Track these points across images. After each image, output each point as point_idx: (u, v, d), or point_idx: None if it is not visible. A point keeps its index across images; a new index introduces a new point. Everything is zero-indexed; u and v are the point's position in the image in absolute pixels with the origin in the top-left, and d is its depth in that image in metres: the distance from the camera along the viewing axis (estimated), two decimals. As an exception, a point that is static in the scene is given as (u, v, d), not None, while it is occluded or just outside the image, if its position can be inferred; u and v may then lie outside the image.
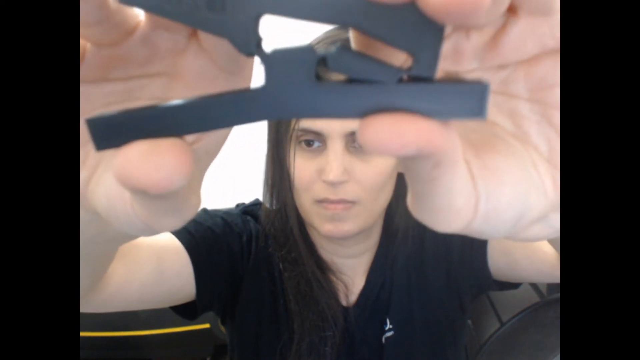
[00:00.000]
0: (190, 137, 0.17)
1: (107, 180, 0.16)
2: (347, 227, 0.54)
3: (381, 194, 0.55)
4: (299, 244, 0.60)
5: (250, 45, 0.12)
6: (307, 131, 0.52)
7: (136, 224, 0.15)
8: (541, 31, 0.15)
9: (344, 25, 0.12)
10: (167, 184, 0.12)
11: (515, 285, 0.63)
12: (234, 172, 1.15)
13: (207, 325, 1.21)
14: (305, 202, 0.55)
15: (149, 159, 0.12)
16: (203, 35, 0.15)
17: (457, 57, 0.15)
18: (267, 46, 0.13)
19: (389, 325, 0.61)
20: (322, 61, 0.12)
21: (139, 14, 0.15)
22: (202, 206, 0.32)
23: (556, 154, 0.16)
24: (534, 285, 1.02)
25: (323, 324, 0.59)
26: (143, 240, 0.49)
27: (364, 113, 0.12)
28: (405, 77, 0.12)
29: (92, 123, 0.13)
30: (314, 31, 0.56)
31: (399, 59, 0.14)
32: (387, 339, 0.61)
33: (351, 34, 0.14)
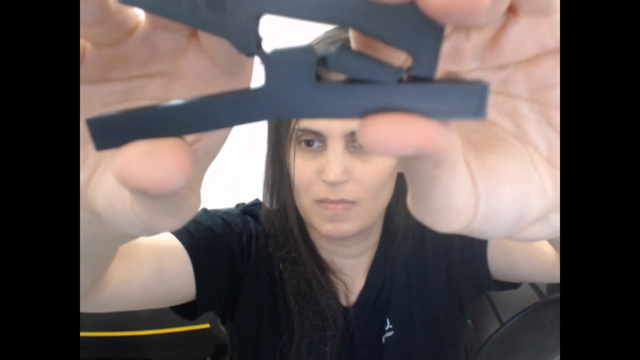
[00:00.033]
0: (190, 137, 0.17)
1: (107, 180, 0.16)
2: (347, 227, 0.54)
3: (381, 194, 0.55)
4: (299, 244, 0.60)
5: (250, 45, 0.12)
6: (307, 131, 0.52)
7: (136, 224, 0.15)
8: (541, 31, 0.15)
9: (343, 25, 0.12)
10: (167, 184, 0.12)
11: (515, 285, 0.63)
12: (234, 172, 1.15)
13: (207, 325, 1.21)
14: (305, 202, 0.55)
15: (149, 159, 0.12)
16: (203, 36, 0.15)
17: (457, 57, 0.15)
18: (267, 46, 0.13)
19: (389, 325, 0.61)
20: (322, 61, 0.12)
21: (139, 14, 0.15)
22: (202, 206, 0.32)
23: (556, 153, 0.16)
24: (534, 285, 1.02)
25: (323, 324, 0.59)
26: (143, 240, 0.49)
27: (364, 113, 0.12)
28: (405, 77, 0.12)
29: (92, 123, 0.13)
30: (314, 31, 0.56)
31: (399, 58, 0.14)
32: (387, 339, 0.61)
33: (351, 34, 0.14)
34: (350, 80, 0.12)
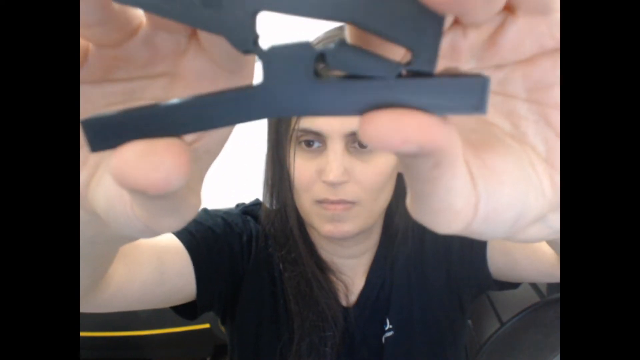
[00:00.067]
0: (190, 136, 0.17)
1: (107, 181, 0.16)
2: (347, 227, 0.54)
3: (381, 194, 0.55)
4: (299, 244, 0.60)
5: (247, 42, 0.12)
6: (307, 131, 0.52)
7: (136, 225, 0.15)
8: (540, 31, 0.14)
9: (341, 21, 0.12)
10: (165, 185, 0.12)
11: (515, 285, 0.63)
12: (234, 172, 1.15)
13: (207, 325, 1.21)
14: (305, 202, 0.55)
15: (146, 159, 0.12)
16: (202, 35, 0.15)
17: (454, 55, 0.15)
18: (265, 43, 0.12)
19: (388, 326, 0.61)
20: (321, 57, 0.12)
21: (141, 16, 0.15)
22: (202, 206, 0.32)
23: (554, 154, 0.16)
24: (534, 285, 1.02)
25: (323, 324, 0.59)
26: (144, 240, 0.49)
27: (364, 109, 0.12)
28: (404, 72, 0.12)
29: (87, 124, 0.13)
30: (311, 27, 0.55)
31: (398, 53, 0.14)
32: (387, 339, 0.61)
33: (347, 30, 0.13)
34: (349, 76, 0.12)
